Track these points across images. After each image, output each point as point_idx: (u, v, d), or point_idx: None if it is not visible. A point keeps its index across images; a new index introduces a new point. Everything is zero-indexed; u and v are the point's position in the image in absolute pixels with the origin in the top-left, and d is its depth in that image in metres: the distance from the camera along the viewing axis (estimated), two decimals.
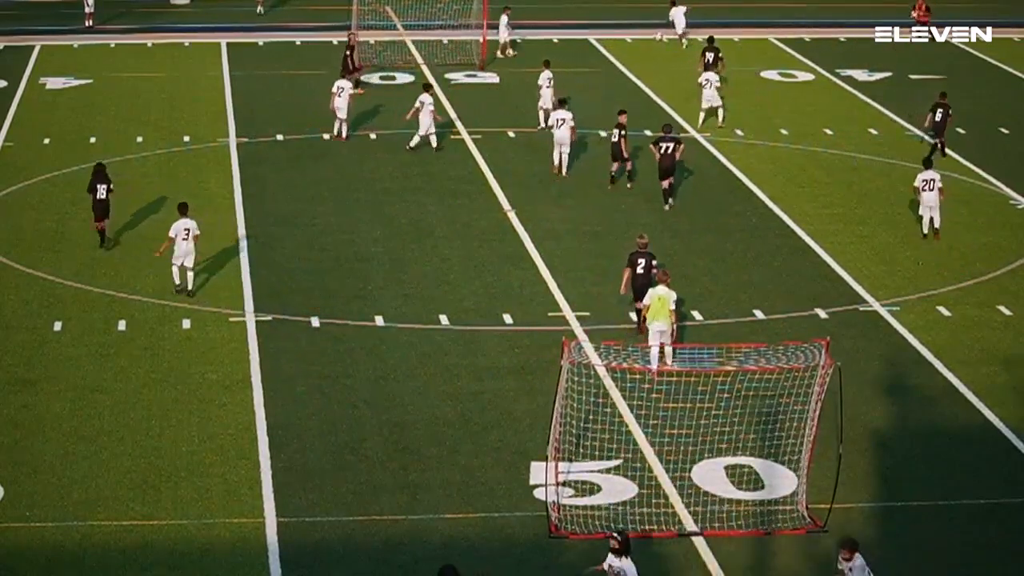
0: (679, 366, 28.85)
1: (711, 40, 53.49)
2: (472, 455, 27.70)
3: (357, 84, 48.04)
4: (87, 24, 62.07)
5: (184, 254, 34.35)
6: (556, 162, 43.73)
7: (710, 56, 51.96)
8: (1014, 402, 30.21)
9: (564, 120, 43.15)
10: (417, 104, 45.42)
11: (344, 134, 46.89)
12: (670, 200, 41.17)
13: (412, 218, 40.28)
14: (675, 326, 30.85)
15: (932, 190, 38.91)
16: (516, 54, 58.41)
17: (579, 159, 45.03)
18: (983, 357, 32.27)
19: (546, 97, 47.67)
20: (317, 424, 28.80)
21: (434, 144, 45.79)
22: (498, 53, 58.03)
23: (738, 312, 34.45)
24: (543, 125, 47.48)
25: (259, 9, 65.28)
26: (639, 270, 32.47)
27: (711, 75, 48.74)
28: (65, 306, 34.11)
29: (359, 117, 49.22)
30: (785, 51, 59.83)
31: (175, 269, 34.65)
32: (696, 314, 34.23)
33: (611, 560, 22.22)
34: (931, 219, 39.15)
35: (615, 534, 22.44)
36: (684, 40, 60.76)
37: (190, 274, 34.60)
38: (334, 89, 46.69)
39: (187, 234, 34.25)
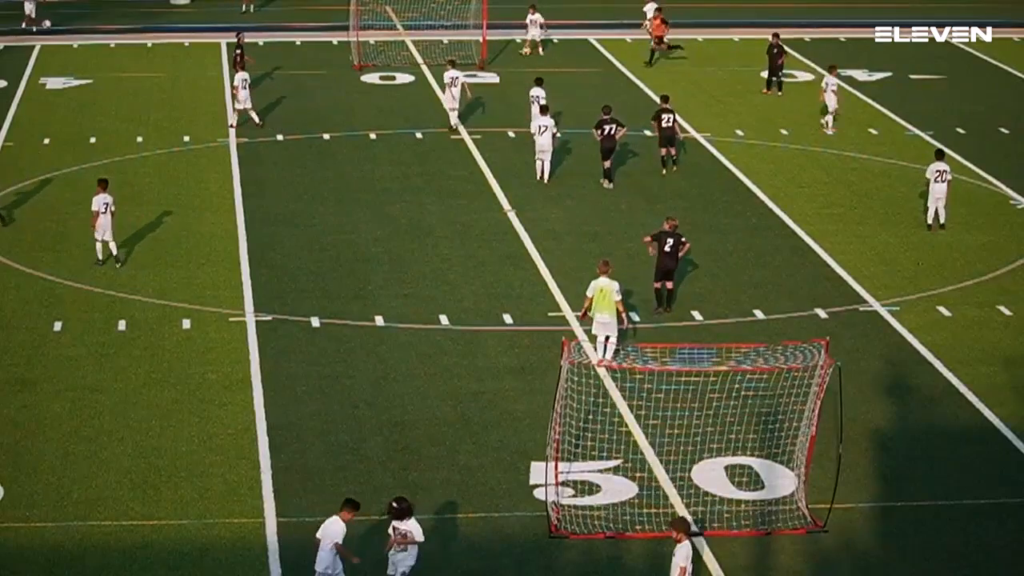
0: (679, 365, 28.82)
1: (776, 36, 53.14)
2: (472, 455, 27.70)
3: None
4: (25, 26, 61.54)
5: (105, 228, 35.86)
6: (539, 169, 43.28)
7: (776, 50, 52.15)
8: (1014, 402, 30.22)
9: (547, 127, 42.65)
10: (530, 98, 45.75)
11: (257, 119, 47.92)
12: (608, 179, 42.77)
13: (412, 218, 40.28)
14: (624, 315, 30.96)
15: (943, 181, 38.98)
16: (542, 54, 58.27)
17: (578, 160, 45.04)
18: (983, 357, 32.27)
19: (452, 96, 47.34)
20: (317, 424, 28.80)
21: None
22: (526, 50, 57.90)
23: (738, 312, 34.45)
24: (454, 125, 47.55)
25: (244, 7, 65.19)
26: (666, 248, 33.68)
27: (831, 79, 48.38)
28: (65, 306, 34.12)
29: (360, 117, 49.28)
30: (785, 51, 59.73)
31: (98, 245, 36.08)
32: (696, 314, 34.24)
33: (396, 525, 22.57)
34: (936, 211, 39.29)
35: (393, 502, 22.67)
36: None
37: (112, 245, 36.20)
38: (238, 83, 47.44)
39: (105, 208, 35.85)
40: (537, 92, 45.90)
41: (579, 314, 31.81)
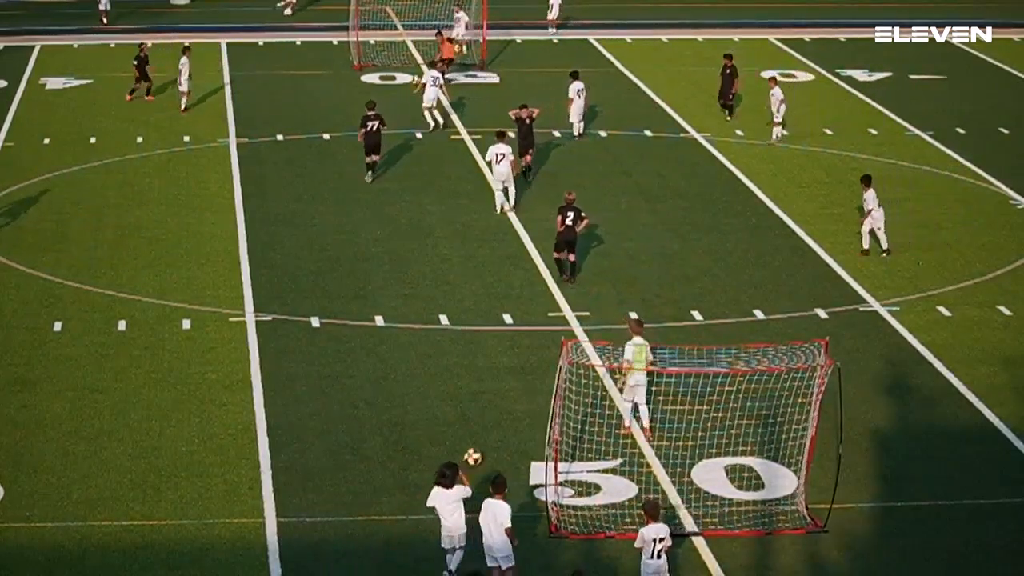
0: (679, 367, 28.79)
1: (729, 57, 51.23)
2: None
3: (148, 91, 51.24)
4: (103, 22, 62.21)
5: None
6: (499, 202, 40.46)
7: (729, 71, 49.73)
8: (1014, 402, 30.21)
9: (504, 155, 39.83)
10: (575, 92, 46.35)
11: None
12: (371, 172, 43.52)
13: (412, 218, 40.28)
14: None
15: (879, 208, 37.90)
16: (465, 53, 57.96)
17: (577, 160, 45.03)
18: (983, 357, 32.26)
19: (429, 96, 47.54)
20: (317, 424, 28.80)
21: (579, 131, 47.16)
22: (457, 49, 57.20)
23: (738, 312, 34.45)
24: (433, 126, 47.75)
25: (287, 11, 64.93)
26: (568, 222, 35.29)
27: (777, 91, 46.87)
28: (65, 306, 34.12)
29: (360, 117, 49.29)
30: (785, 51, 59.82)
31: None
32: (696, 314, 34.24)
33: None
34: (871, 233, 37.81)
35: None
36: (551, 28, 61.47)
37: None
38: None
39: None
40: (579, 85, 46.69)
41: (620, 383, 29.08)
